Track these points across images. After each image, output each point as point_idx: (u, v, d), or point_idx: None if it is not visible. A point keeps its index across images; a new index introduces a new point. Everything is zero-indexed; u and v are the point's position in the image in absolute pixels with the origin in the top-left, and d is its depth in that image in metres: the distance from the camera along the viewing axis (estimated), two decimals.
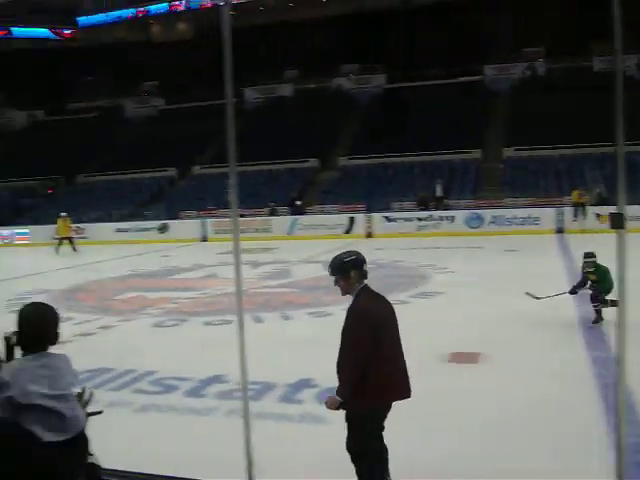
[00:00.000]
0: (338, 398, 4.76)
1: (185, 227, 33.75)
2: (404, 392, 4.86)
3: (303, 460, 5.92)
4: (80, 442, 3.28)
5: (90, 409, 3.49)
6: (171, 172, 41.74)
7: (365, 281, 5.05)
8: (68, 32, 54.66)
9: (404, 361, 4.89)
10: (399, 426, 5.09)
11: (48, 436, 3.13)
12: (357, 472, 4.79)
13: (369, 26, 45.97)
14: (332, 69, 47.89)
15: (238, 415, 7.02)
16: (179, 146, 41.50)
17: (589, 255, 10.71)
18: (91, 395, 3.54)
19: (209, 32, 50.10)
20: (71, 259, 26.01)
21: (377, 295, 5.09)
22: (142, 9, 52.46)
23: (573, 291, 11.05)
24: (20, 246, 34.50)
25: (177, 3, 51.51)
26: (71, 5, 52.34)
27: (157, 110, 50.79)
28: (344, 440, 4.87)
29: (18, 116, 52.01)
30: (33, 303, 3.54)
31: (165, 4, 51.72)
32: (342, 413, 4.88)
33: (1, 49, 47.98)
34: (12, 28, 50.79)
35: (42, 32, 53.94)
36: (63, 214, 29.69)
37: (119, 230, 34.31)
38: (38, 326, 3.36)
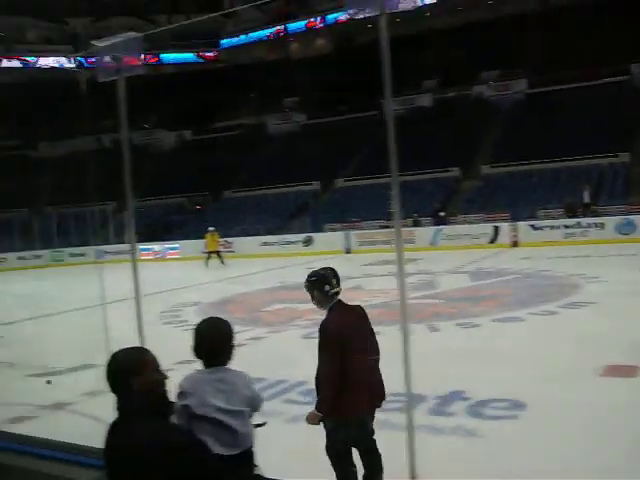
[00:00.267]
0: (318, 413, 4.90)
1: (329, 239, 34.12)
2: (374, 401, 5.07)
3: (455, 474, 5.80)
4: (248, 457, 3.35)
5: (254, 420, 3.56)
6: (315, 185, 42.35)
7: (338, 297, 5.19)
8: (211, 54, 56.73)
9: (377, 368, 5.06)
10: (558, 437, 4.91)
11: (218, 449, 3.21)
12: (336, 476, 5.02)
13: (507, 31, 44.95)
14: (471, 77, 47.18)
15: (390, 427, 7.02)
16: (322, 160, 42.06)
17: None
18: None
19: (346, 46, 50.84)
20: (220, 272, 26.83)
21: (348, 308, 5.22)
22: (280, 28, 53.71)
23: None
24: (171, 260, 35.93)
25: (314, 20, 52.42)
26: (214, 29, 54.30)
27: (299, 125, 51.72)
28: (497, 454, 4.78)
29: (167, 137, 54.30)
30: (209, 318, 3.65)
31: (302, 22, 52.76)
32: (497, 426, 4.77)
33: (151, 75, 50.34)
34: (161, 55, 53.25)
35: (188, 56, 56.31)
36: (211, 229, 30.69)
37: (265, 243, 35.13)
38: (213, 340, 3.46)
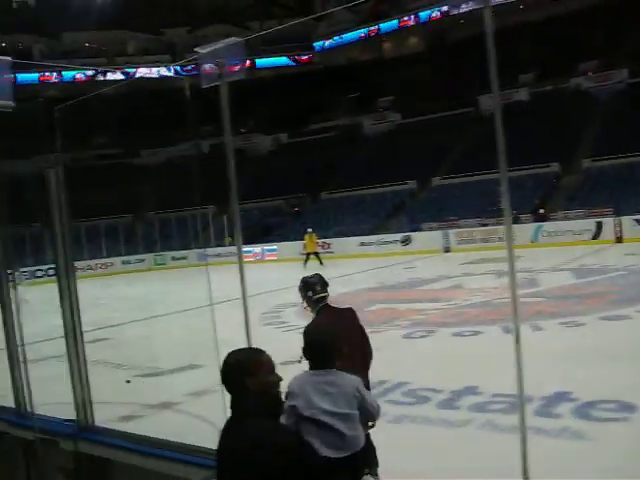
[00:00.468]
0: None
1: (427, 238, 33.85)
2: None
3: (567, 475, 5.64)
4: (356, 460, 3.34)
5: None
6: (411, 185, 42.08)
7: (325, 301, 5.57)
8: (305, 57, 57.20)
9: (365, 368, 5.21)
10: None
11: (325, 451, 3.22)
12: None
13: (604, 19, 43.50)
14: (569, 69, 45.86)
15: (493, 428, 6.90)
16: (418, 158, 41.78)
17: None
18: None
19: (439, 43, 50.34)
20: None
21: (334, 312, 5.52)
22: (373, 28, 53.67)
23: None
24: (270, 262, 36.36)
25: (406, 19, 52.16)
26: (307, 32, 54.75)
27: (394, 125, 51.51)
28: (606, 456, 4.61)
29: (263, 141, 55.02)
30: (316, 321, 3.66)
31: (395, 21, 52.58)
32: (606, 429, 4.61)
33: (247, 80, 51.12)
34: (256, 60, 54.04)
35: (282, 60, 56.98)
36: (309, 230, 30.91)
37: (363, 244, 35.14)
38: (321, 343, 3.47)
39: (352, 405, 3.37)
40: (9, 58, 5.34)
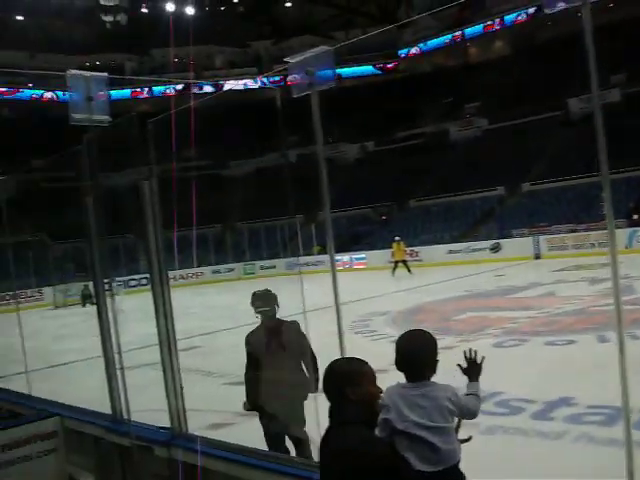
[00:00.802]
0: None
1: (517, 245, 33.23)
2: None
3: None
4: (452, 474, 3.28)
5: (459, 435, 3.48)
6: (500, 191, 41.41)
7: (270, 314, 6.47)
8: (390, 65, 57.12)
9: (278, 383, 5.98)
10: None
11: (419, 465, 3.17)
12: None
13: None
14: None
15: (589, 440, 6.69)
16: (506, 164, 41.06)
17: None
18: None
19: (526, 46, 49.42)
20: (407, 281, 26.83)
21: (263, 326, 6.46)
22: (458, 33, 53.19)
23: None
24: (359, 270, 36.33)
25: (491, 23, 51.53)
26: (391, 40, 54.69)
27: (481, 131, 50.83)
28: None
29: (351, 149, 55.08)
30: (410, 331, 3.62)
31: (480, 25, 51.99)
32: None
33: (332, 90, 51.32)
34: (341, 70, 54.31)
35: (367, 69, 57.06)
36: (397, 238, 30.79)
37: (451, 251, 34.76)
38: (414, 354, 3.43)
39: (446, 417, 3.30)
40: (105, 74, 5.52)
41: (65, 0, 45.96)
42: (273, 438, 6.08)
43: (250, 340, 6.43)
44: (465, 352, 3.76)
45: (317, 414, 3.42)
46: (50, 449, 5.56)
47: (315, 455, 5.00)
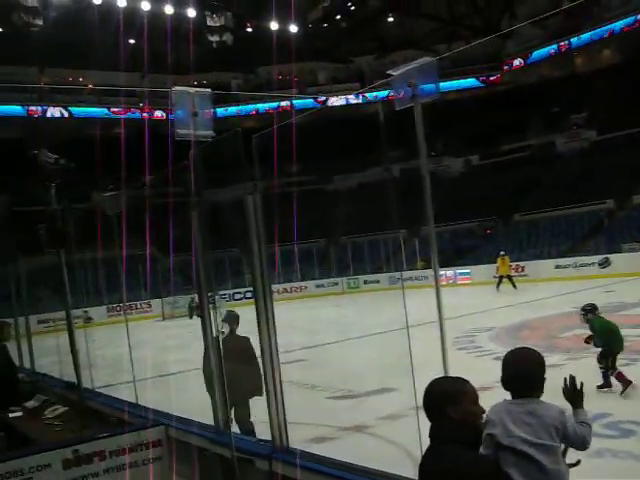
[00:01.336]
0: None
1: (628, 260, 32.01)
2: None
3: None
4: None
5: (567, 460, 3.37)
6: (609, 204, 40.09)
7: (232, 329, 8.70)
8: (494, 78, 56.34)
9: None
10: None
11: None
12: None
13: None
14: None
15: None
16: (615, 176, 39.72)
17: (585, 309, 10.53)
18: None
19: (637, 55, 47.79)
20: (512, 297, 26.28)
21: (229, 340, 7.99)
22: (564, 43, 51.97)
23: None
24: (462, 285, 35.84)
25: (599, 31, 50.18)
26: (494, 52, 53.99)
27: (589, 142, 49.39)
28: None
29: (455, 163, 54.51)
30: (517, 349, 3.53)
31: (587, 34, 50.67)
32: None
33: (434, 103, 51.01)
34: (444, 83, 53.95)
35: (470, 82, 56.46)
36: (502, 253, 30.29)
37: (558, 266, 33.85)
38: (521, 372, 3.34)
39: (553, 437, 3.19)
40: (209, 90, 5.65)
41: (174, 22, 47.41)
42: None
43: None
44: (565, 379, 3.62)
45: (419, 432, 3.36)
46: (155, 457, 5.69)
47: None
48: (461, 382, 3.09)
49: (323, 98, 56.56)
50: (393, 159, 45.91)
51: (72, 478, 5.35)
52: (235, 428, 5.61)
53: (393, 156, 44.90)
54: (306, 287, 41.60)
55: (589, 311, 10.39)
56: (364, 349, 16.46)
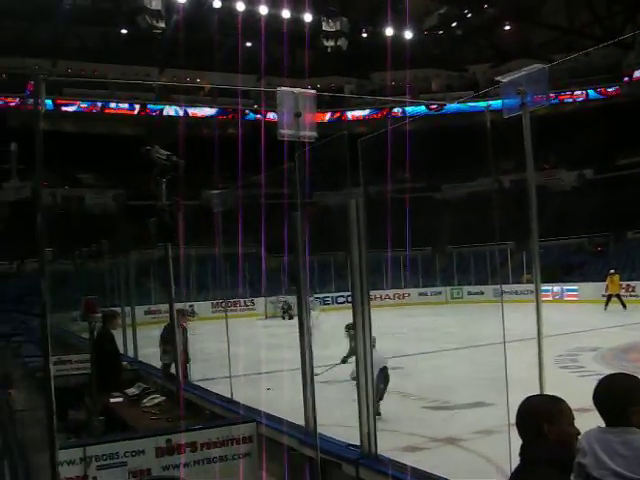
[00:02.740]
0: None
1: None
2: None
3: None
4: None
5: None
6: None
7: None
8: (612, 90, 54.60)
9: None
10: None
11: None
12: None
13: None
14: None
15: None
16: None
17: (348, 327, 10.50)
18: None
19: None
20: (621, 317, 25.35)
21: None
22: None
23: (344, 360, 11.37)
24: (569, 302, 34.83)
25: None
26: (614, 63, 52.33)
27: None
28: None
29: (567, 176, 53.08)
30: (614, 374, 3.33)
31: None
32: None
33: (550, 114, 49.85)
34: (560, 94, 52.72)
35: (587, 93, 54.96)
36: (612, 271, 29.37)
37: None
38: (617, 398, 3.14)
39: None
40: (314, 91, 5.68)
41: (290, 26, 48.08)
42: None
43: None
44: None
45: (509, 449, 3.26)
46: (244, 453, 5.76)
47: None
48: (558, 401, 2.96)
49: (436, 105, 56.14)
50: (505, 170, 45.16)
51: (163, 466, 5.48)
52: (322, 429, 5.57)
53: (505, 167, 44.15)
54: (409, 295, 41.37)
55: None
56: (462, 361, 16.22)
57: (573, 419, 2.91)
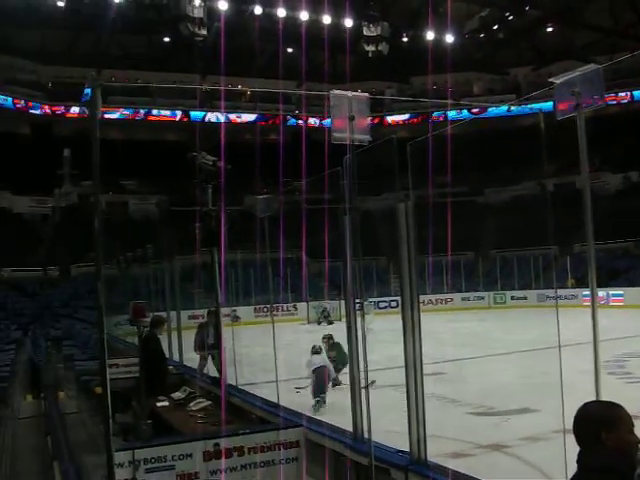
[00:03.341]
0: None
1: None
2: None
3: None
4: None
5: None
6: None
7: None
8: None
9: None
10: None
11: None
12: None
13: None
14: None
15: None
16: None
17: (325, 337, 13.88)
18: None
19: None
20: None
21: None
22: None
23: None
24: (614, 307, 34.27)
25: None
26: None
27: None
28: None
29: (612, 179, 52.31)
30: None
31: None
32: None
33: (593, 116, 49.14)
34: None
35: (637, 94, 54.22)
36: None
37: None
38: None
39: None
40: (366, 94, 5.67)
41: (331, 32, 48.12)
42: None
43: None
44: None
45: (565, 457, 3.21)
46: (292, 458, 5.77)
47: None
48: (617, 407, 2.88)
49: (478, 109, 55.70)
50: (548, 173, 44.68)
51: (211, 470, 5.51)
52: (373, 436, 5.54)
53: (548, 170, 43.68)
54: (452, 299, 41.06)
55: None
56: (507, 366, 16.05)
57: (633, 426, 2.84)
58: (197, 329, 14.28)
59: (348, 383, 6.01)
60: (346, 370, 12.74)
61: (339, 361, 13.14)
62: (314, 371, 12.01)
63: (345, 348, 13.40)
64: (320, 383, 11.83)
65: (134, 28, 47.50)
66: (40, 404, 11.53)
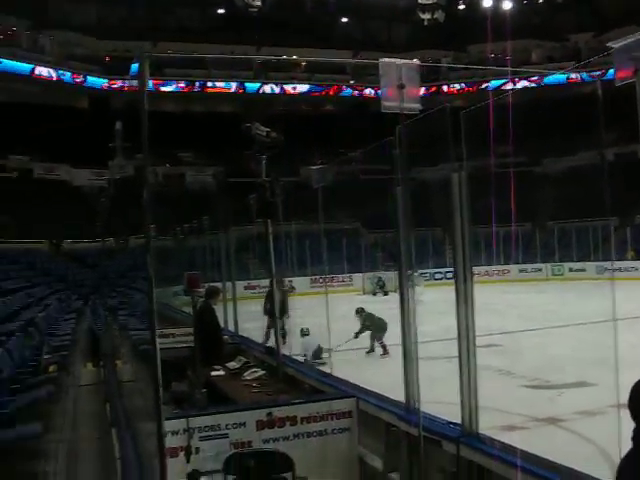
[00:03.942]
0: None
1: None
2: None
3: None
4: None
5: None
6: None
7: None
8: None
9: None
10: None
11: None
12: None
13: None
14: None
15: None
16: None
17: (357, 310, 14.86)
18: None
19: None
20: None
21: None
22: None
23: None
24: None
25: None
26: None
27: None
28: None
29: None
30: None
31: None
32: None
33: None
34: None
35: None
36: None
37: None
38: None
39: None
40: (416, 61, 5.58)
41: (386, 1, 47.63)
42: None
43: None
44: None
45: (619, 432, 3.14)
46: (344, 428, 5.80)
47: None
48: None
49: (537, 77, 54.53)
50: (607, 143, 43.64)
51: (264, 439, 5.57)
52: (425, 407, 5.53)
53: (608, 139, 42.66)
54: (508, 271, 40.62)
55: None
56: (564, 339, 15.83)
57: None
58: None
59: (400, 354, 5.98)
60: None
61: (377, 328, 13.89)
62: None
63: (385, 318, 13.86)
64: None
65: (189, 0, 47.72)
66: (99, 372, 11.79)
